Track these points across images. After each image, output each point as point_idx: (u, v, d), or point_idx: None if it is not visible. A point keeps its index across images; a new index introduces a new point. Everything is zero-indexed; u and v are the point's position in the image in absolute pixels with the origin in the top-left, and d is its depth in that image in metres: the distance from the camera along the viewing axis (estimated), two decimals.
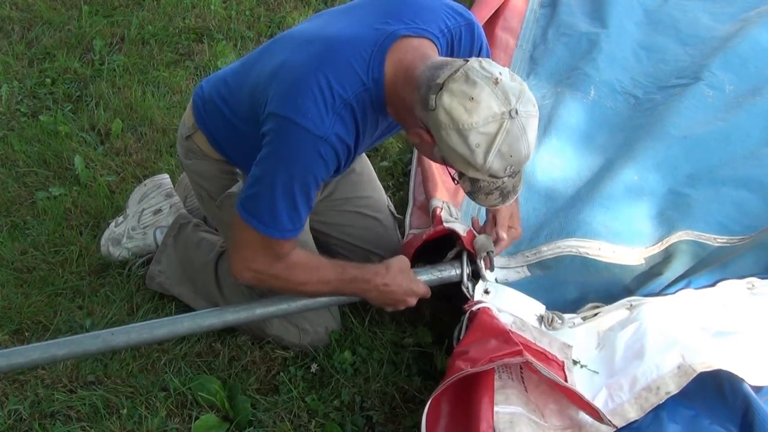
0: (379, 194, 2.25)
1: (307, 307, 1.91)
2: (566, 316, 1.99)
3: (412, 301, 1.88)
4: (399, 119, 1.67)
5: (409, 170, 2.57)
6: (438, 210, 2.13)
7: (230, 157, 1.89)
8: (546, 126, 2.74)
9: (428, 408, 1.60)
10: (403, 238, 2.28)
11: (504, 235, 1.95)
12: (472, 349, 1.70)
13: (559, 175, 2.56)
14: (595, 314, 1.98)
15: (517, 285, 2.14)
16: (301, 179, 1.59)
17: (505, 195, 1.62)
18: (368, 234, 2.15)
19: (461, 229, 2.01)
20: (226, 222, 1.96)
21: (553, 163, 2.60)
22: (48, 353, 1.76)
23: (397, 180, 2.61)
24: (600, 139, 2.70)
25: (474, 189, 1.61)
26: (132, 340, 1.81)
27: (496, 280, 2.07)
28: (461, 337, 1.79)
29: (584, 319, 1.98)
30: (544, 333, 1.89)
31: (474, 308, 1.84)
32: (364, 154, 2.20)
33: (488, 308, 1.83)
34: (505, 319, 1.83)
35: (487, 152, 1.48)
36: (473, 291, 1.91)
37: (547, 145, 2.66)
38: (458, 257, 1.96)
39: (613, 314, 1.97)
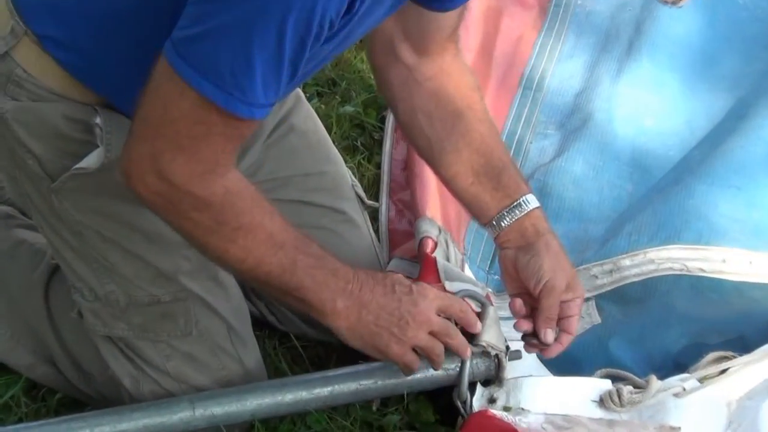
0: (336, 168, 1.78)
1: (353, 396, 1.47)
2: (669, 380, 1.56)
3: (421, 336, 1.34)
4: None
5: (384, 116, 2.07)
6: (430, 244, 1.70)
7: (88, 70, 1.35)
8: (632, 39, 2.20)
9: None
10: (378, 240, 1.84)
11: (572, 328, 1.47)
12: None
13: (655, 127, 2.07)
14: (722, 371, 1.61)
15: (581, 339, 1.65)
16: (300, 11, 1.14)
17: None
18: (325, 238, 1.57)
19: (476, 295, 1.54)
20: (63, 218, 1.45)
21: (645, 105, 2.09)
22: None
23: (369, 136, 2.07)
24: (727, 63, 2.19)
25: None
26: None
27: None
28: None
29: (702, 380, 1.61)
30: (615, 422, 1.52)
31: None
32: (306, 102, 1.73)
33: (491, 413, 1.50)
34: (534, 423, 1.48)
35: None
36: (470, 406, 1.50)
37: (634, 72, 2.11)
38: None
39: (752, 370, 1.61)
